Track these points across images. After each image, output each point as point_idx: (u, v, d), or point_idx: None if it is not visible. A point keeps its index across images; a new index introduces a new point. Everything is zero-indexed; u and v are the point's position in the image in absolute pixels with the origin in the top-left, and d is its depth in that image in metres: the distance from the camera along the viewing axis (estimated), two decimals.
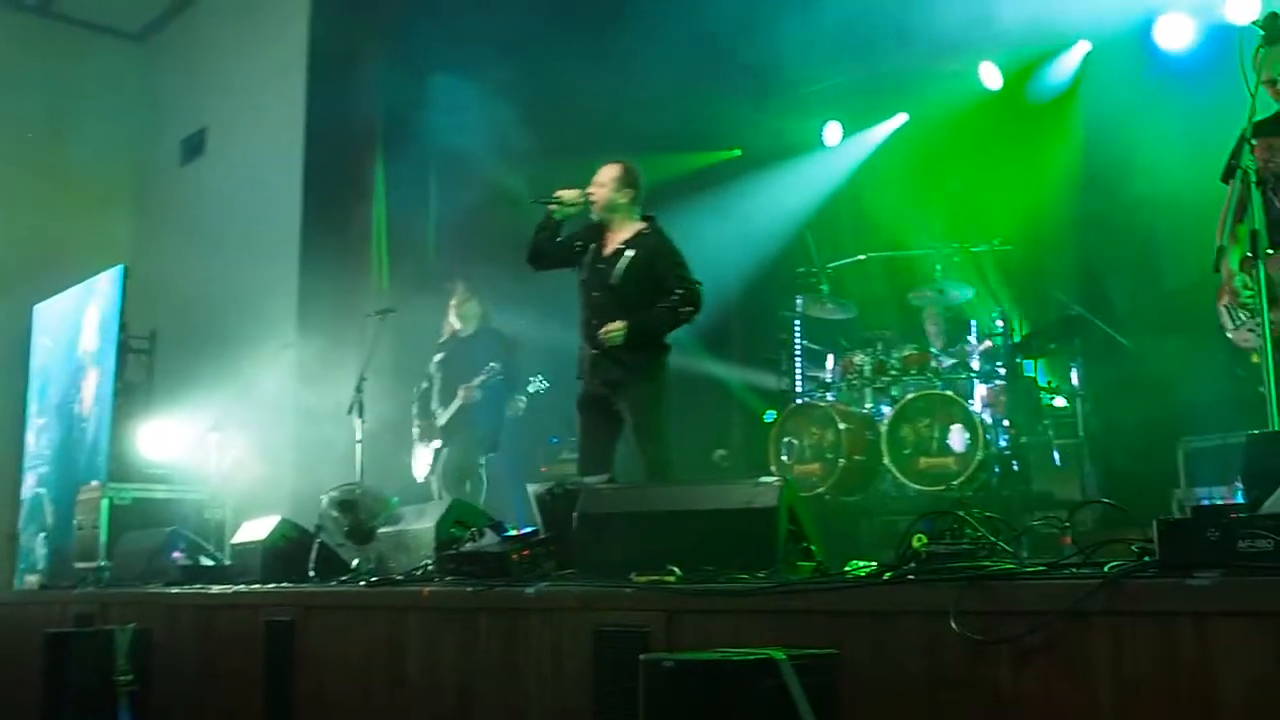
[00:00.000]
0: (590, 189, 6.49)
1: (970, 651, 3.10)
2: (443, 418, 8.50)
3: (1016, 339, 8.17)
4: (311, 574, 6.25)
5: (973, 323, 8.16)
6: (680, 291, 6.30)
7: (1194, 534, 2.88)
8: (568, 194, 6.45)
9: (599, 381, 6.42)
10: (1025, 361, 8.24)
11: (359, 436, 7.31)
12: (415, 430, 8.69)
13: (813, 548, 4.28)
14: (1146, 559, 3.03)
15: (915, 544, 3.57)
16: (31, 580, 10.89)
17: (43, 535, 11.32)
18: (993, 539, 3.60)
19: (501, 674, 4.40)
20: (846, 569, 3.95)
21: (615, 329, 6.22)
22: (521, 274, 6.78)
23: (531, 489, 5.30)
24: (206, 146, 12.39)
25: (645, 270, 6.35)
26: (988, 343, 8.08)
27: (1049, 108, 8.87)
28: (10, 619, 8.10)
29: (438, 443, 8.51)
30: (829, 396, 8.31)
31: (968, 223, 8.63)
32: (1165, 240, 8.68)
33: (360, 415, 7.26)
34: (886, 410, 7.92)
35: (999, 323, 8.09)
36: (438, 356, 8.72)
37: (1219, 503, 5.58)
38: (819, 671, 3.02)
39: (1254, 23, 4.85)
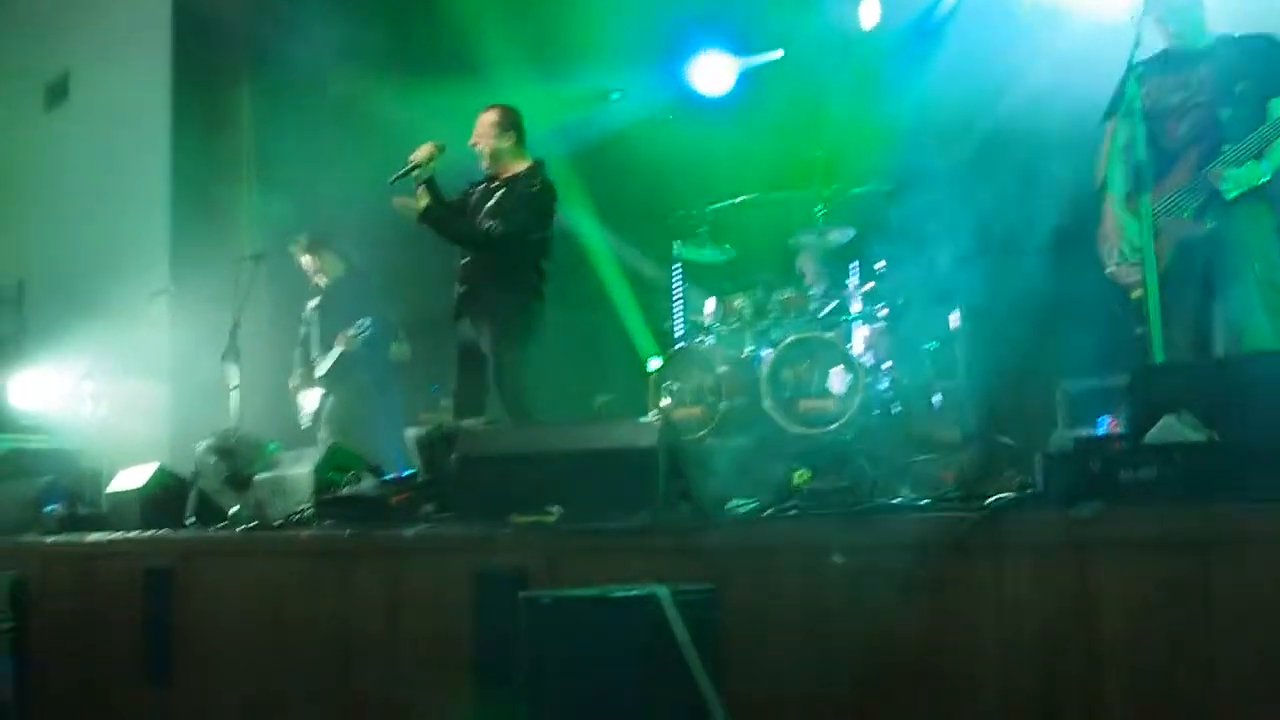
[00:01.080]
0: (471, 141, 6.41)
1: (851, 586, 3.12)
2: (322, 366, 8.38)
3: (896, 280, 8.20)
4: (190, 521, 6.16)
5: (854, 264, 8.19)
6: (498, 220, 6.27)
7: (1076, 465, 2.91)
8: (418, 154, 6.35)
9: (467, 321, 6.43)
10: (905, 303, 8.28)
11: (235, 382, 7.15)
12: (295, 378, 8.56)
13: (693, 489, 4.27)
14: (1030, 491, 3.06)
15: (797, 481, 3.58)
16: None
17: None
18: (873, 476, 3.63)
19: (381, 617, 4.38)
20: (727, 508, 3.95)
21: (405, 203, 6.28)
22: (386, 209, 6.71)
23: (409, 433, 5.24)
24: (70, 90, 11.98)
25: (511, 204, 6.32)
26: (870, 284, 8.12)
27: (924, 45, 8.91)
28: None
29: (319, 390, 8.38)
30: (709, 340, 8.29)
31: (850, 163, 8.64)
32: (1043, 182, 8.78)
33: (236, 361, 7.10)
34: (766, 353, 7.93)
35: (878, 265, 8.13)
36: (311, 304, 8.62)
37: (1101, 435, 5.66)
38: (699, 607, 3.02)
39: None
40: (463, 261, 6.43)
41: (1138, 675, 2.68)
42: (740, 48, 9.83)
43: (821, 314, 8.03)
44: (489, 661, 3.79)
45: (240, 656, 5.02)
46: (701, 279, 8.77)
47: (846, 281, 8.17)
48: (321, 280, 8.61)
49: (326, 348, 8.37)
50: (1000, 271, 8.46)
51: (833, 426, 7.48)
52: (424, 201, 6.36)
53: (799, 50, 9.51)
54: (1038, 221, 8.87)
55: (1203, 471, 2.71)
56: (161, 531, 5.99)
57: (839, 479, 3.52)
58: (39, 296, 11.71)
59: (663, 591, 2.91)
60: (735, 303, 8.15)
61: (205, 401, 8.11)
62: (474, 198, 6.55)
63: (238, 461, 6.34)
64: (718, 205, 8.69)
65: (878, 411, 7.84)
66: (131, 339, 9.44)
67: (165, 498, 6.36)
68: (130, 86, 10.84)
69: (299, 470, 5.65)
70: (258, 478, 6.06)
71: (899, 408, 7.96)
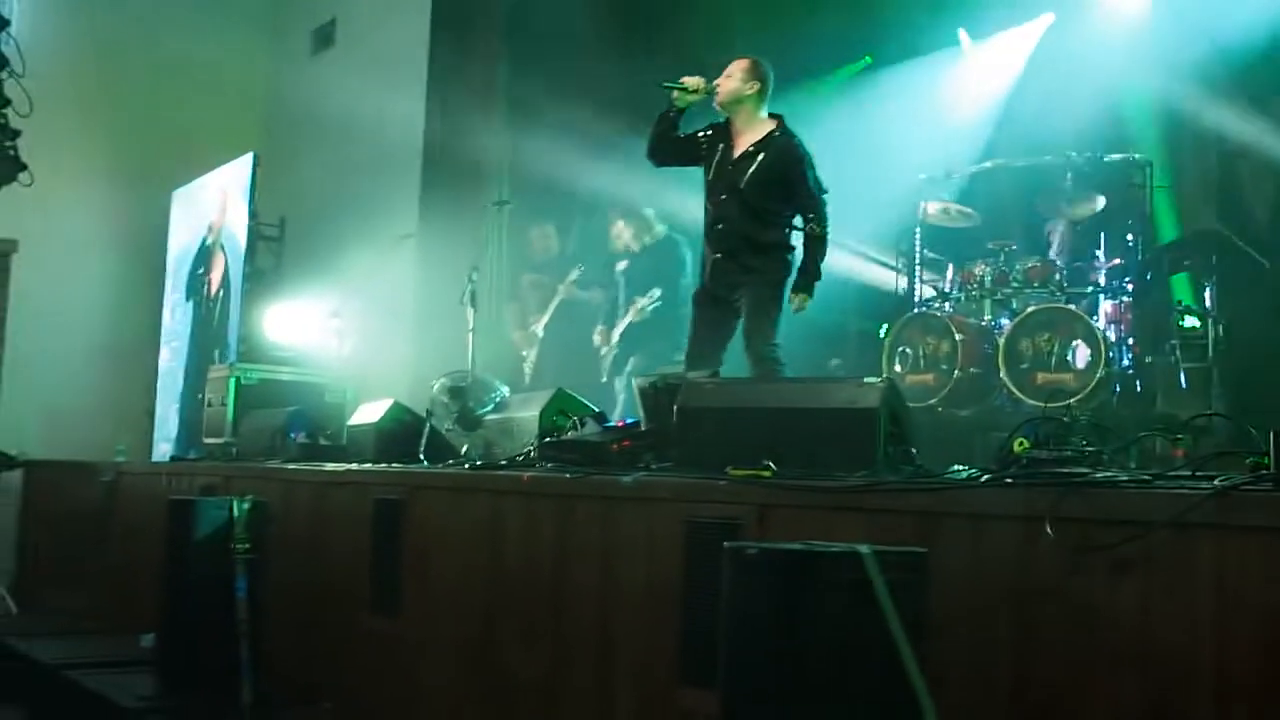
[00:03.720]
0: (718, 80, 6.37)
1: (1065, 560, 3.02)
2: (619, 327, 8.64)
3: (1147, 254, 7.86)
4: (421, 457, 6.35)
5: (1101, 235, 7.88)
6: (812, 215, 6.21)
7: None
8: (691, 80, 6.31)
9: (722, 284, 6.39)
10: (1155, 278, 7.92)
11: (471, 326, 7.36)
12: (597, 336, 8.85)
13: (913, 451, 4.20)
14: (1263, 471, 2.90)
15: (1016, 448, 3.48)
16: (164, 447, 11.48)
17: (175, 406, 11.87)
18: (1098, 448, 3.49)
19: (595, 559, 4.43)
20: (947, 473, 3.87)
21: (800, 304, 6.21)
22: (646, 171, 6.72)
23: (636, 382, 5.30)
24: (336, 37, 12.46)
25: (774, 176, 6.24)
26: (1116, 258, 7.80)
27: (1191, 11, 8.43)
28: (142, 487, 8.42)
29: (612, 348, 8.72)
30: (946, 307, 8.12)
31: (1104, 130, 8.28)
32: None
33: (473, 305, 7.30)
34: (1005, 323, 7.71)
35: (1129, 237, 7.80)
36: (621, 265, 8.87)
37: None
38: (906, 569, 2.96)
39: None
40: (717, 225, 6.38)
41: None
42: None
43: (1067, 285, 7.77)
44: (697, 611, 3.81)
45: (459, 592, 5.14)
46: (943, 244, 8.58)
47: (1094, 252, 7.88)
48: (633, 247, 8.82)
49: (625, 310, 8.62)
50: (1261, 250, 8.02)
51: (1071, 402, 7.24)
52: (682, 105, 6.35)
53: (1068, 13, 9.14)
54: None
55: None
56: (393, 465, 6.19)
57: (1061, 449, 3.40)
58: (298, 234, 12.26)
59: (866, 550, 2.87)
60: (976, 270, 7.96)
61: (444, 343, 8.38)
62: (715, 155, 6.43)
63: (468, 402, 6.55)
64: (966, 169, 8.48)
65: (1119, 389, 7.56)
66: (380, 279, 9.79)
67: (399, 432, 6.58)
68: (392, 33, 11.24)
69: (526, 413, 5.81)
70: (487, 418, 6.24)
71: (1140, 386, 7.66)
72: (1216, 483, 2.86)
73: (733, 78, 6.36)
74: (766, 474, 3.97)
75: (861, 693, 2.86)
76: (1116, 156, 8.00)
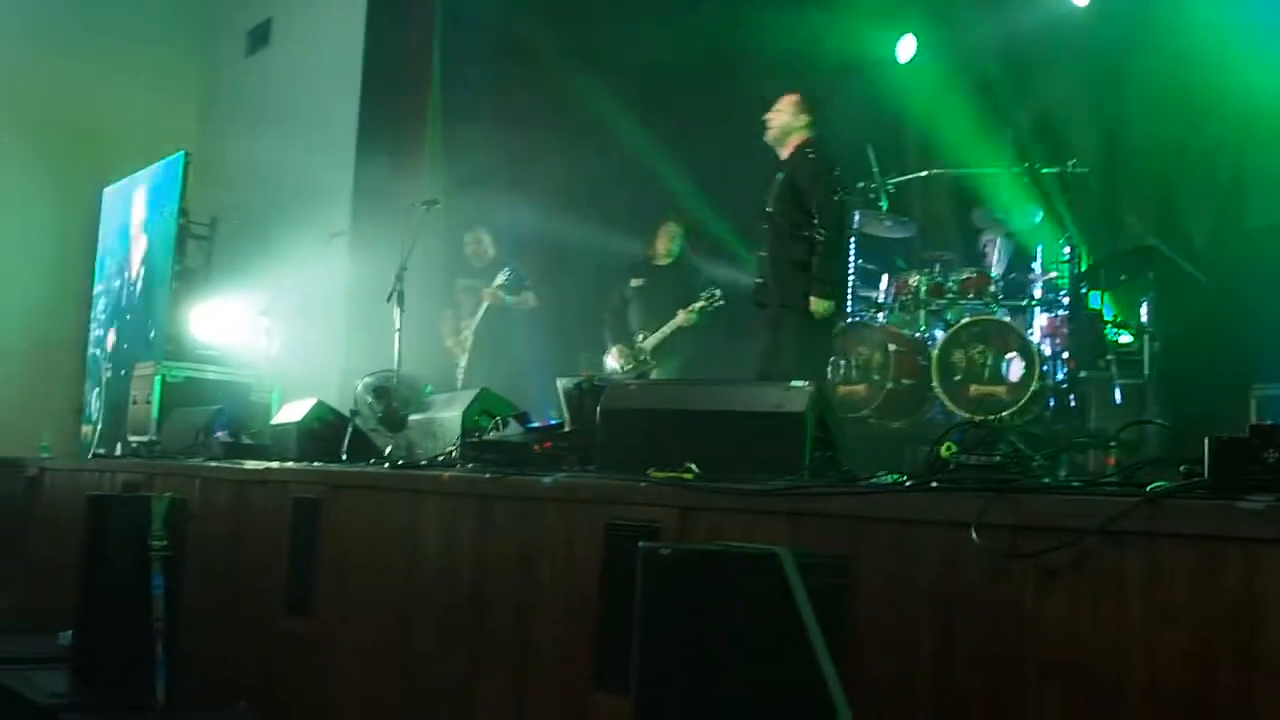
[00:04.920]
0: (767, 115, 6.62)
1: (991, 566, 2.93)
2: (651, 341, 8.56)
3: (1083, 268, 7.83)
4: (344, 457, 6.26)
5: (1038, 248, 7.86)
6: (817, 220, 6.41)
7: (1249, 454, 2.66)
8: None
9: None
10: (1091, 293, 7.90)
11: (397, 326, 7.23)
12: (612, 352, 8.78)
13: (839, 457, 4.11)
14: (1194, 480, 2.82)
15: (944, 453, 3.39)
16: (86, 430, 11.50)
17: (96, 391, 11.79)
18: (1028, 455, 3.41)
19: (514, 561, 4.35)
20: (870, 479, 3.79)
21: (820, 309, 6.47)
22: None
23: (560, 383, 5.20)
24: (271, 37, 12.36)
25: (793, 191, 6.40)
26: (1053, 271, 7.78)
27: (1137, 25, 8.44)
28: (65, 483, 8.42)
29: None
30: (880, 317, 8.06)
31: (1041, 143, 8.28)
32: (1253, 175, 8.27)
33: (400, 305, 7.17)
34: (939, 334, 7.67)
35: (1066, 250, 7.78)
36: (635, 282, 8.83)
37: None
38: (825, 573, 2.86)
39: None
40: (761, 249, 6.71)
41: None
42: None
43: (1002, 298, 7.74)
44: (615, 616, 3.71)
45: (376, 592, 5.06)
46: (878, 254, 8.53)
47: (1030, 265, 7.86)
48: (661, 259, 8.81)
49: (650, 324, 8.59)
50: (1198, 267, 8.03)
51: (1003, 415, 7.21)
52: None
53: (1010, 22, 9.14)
54: (1245, 218, 8.39)
55: None
56: (314, 464, 6.08)
57: (989, 455, 3.32)
58: (228, 233, 12.11)
59: (784, 552, 2.76)
60: (910, 280, 7.91)
61: (374, 343, 8.27)
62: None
63: (393, 402, 6.44)
64: (901, 178, 8.43)
65: (1053, 403, 7.53)
66: (311, 278, 9.67)
67: (323, 432, 6.56)
68: (328, 33, 11.17)
69: (449, 413, 5.71)
70: (411, 418, 6.13)
71: (1075, 401, 7.63)
72: (1148, 490, 2.78)
73: (781, 112, 6.63)
74: (689, 476, 3.88)
75: (777, 698, 2.75)
76: (1054, 168, 7.97)
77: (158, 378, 8.94)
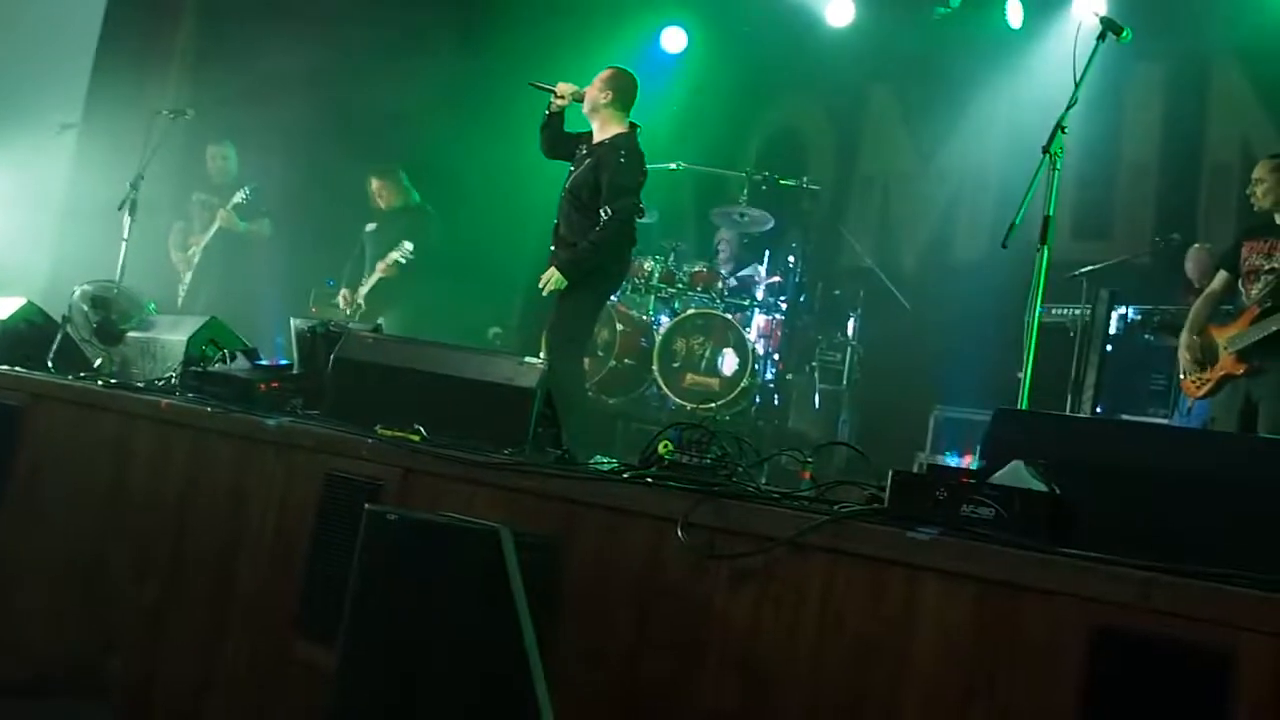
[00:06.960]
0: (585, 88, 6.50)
1: (691, 563, 3.15)
2: (362, 290, 8.48)
3: (804, 278, 8.29)
4: (50, 365, 5.98)
5: (766, 253, 8.26)
6: (608, 213, 6.27)
7: (924, 490, 2.97)
8: (563, 86, 6.46)
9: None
10: (808, 301, 8.38)
11: (125, 235, 6.99)
12: (343, 294, 8.67)
13: (562, 436, 4.28)
14: (876, 505, 3.12)
15: (661, 450, 3.59)
16: None
17: None
18: (736, 461, 3.65)
19: (227, 498, 4.30)
20: (591, 462, 3.97)
21: (549, 281, 6.28)
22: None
23: (295, 323, 5.15)
24: None
25: (594, 177, 6.30)
26: (776, 276, 8.20)
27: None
28: None
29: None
30: (613, 296, 8.29)
31: (786, 154, 8.69)
32: (964, 212, 8.91)
33: (131, 214, 6.93)
34: (665, 320, 7.98)
35: (790, 259, 8.21)
36: (369, 226, 8.74)
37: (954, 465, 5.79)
38: (540, 552, 3.04)
39: (1099, 17, 4.97)
40: (556, 221, 6.52)
41: (933, 702, 2.76)
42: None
43: (728, 294, 8.11)
44: (325, 566, 3.76)
45: (76, 507, 4.86)
46: None
47: (759, 268, 8.25)
48: (382, 206, 8.73)
49: (372, 269, 8.48)
50: (904, 291, 8.61)
51: (713, 405, 7.58)
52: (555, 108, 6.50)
53: (762, 33, 9.49)
54: (951, 252, 9.02)
55: (1035, 520, 2.78)
56: (16, 369, 5.81)
57: (701, 457, 3.54)
58: None
59: (505, 532, 2.91)
60: (645, 264, 8.17)
61: (93, 249, 7.93)
62: (579, 151, 6.57)
63: (112, 314, 6.19)
64: (649, 166, 8.65)
65: (759, 400, 7.95)
66: (31, 170, 9.17)
67: (29, 334, 6.10)
68: None
69: (174, 336, 5.55)
70: (130, 335, 5.94)
71: (779, 401, 8.09)
72: (836, 509, 3.06)
73: (594, 85, 6.49)
74: (415, 438, 3.95)
75: (480, 665, 2.90)
76: (791, 181, 8.40)
77: None
